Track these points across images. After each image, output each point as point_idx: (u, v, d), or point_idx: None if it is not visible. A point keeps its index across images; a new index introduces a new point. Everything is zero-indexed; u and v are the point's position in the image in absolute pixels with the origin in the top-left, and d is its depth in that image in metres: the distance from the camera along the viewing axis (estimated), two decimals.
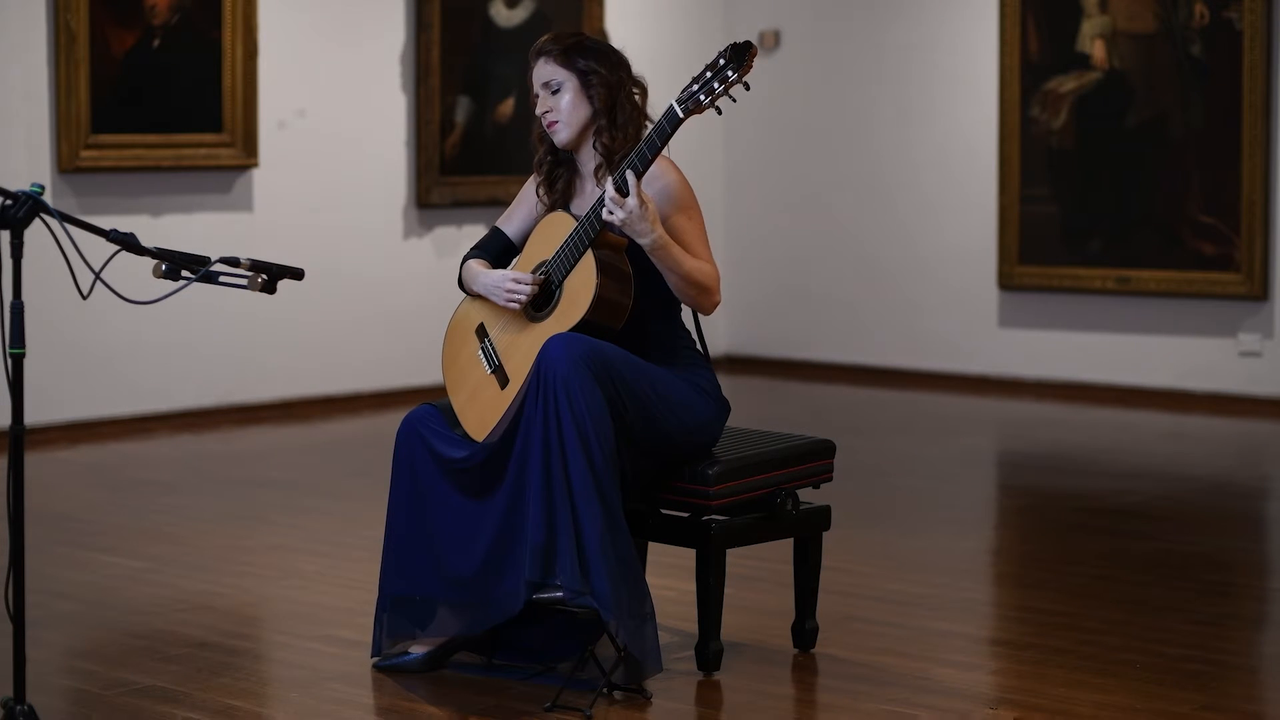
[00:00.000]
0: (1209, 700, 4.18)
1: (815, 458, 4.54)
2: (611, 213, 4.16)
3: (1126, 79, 8.86)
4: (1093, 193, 8.98)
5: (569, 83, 4.39)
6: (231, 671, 4.45)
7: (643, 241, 4.19)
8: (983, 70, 9.30)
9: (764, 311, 10.15)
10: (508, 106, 9.12)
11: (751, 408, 8.55)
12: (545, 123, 4.42)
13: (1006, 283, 9.25)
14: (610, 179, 4.19)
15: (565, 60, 4.39)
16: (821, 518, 4.57)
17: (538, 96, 4.43)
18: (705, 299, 4.32)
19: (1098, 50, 8.92)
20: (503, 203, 8.37)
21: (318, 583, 5.38)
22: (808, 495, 4.60)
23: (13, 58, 7.69)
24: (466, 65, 9.00)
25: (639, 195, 4.15)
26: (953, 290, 9.49)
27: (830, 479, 4.59)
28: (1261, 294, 8.53)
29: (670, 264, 4.24)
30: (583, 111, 4.39)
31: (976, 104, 9.35)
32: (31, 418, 7.06)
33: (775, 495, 4.43)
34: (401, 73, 8.89)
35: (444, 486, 4.33)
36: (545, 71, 4.41)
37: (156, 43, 8.01)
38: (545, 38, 4.48)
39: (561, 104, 4.39)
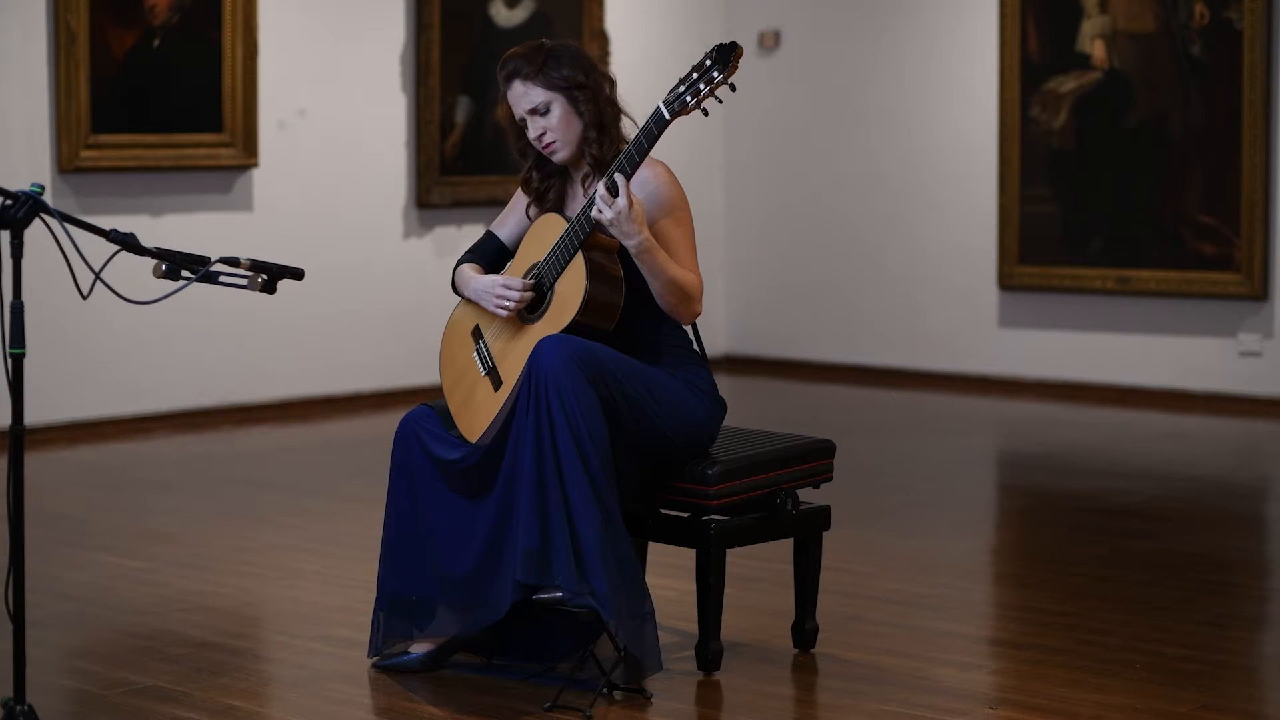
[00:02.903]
0: (1209, 700, 4.18)
1: (815, 458, 4.54)
2: (601, 211, 4.16)
3: (1126, 79, 8.85)
4: (1093, 193, 8.98)
5: (556, 101, 4.33)
6: (231, 671, 4.45)
7: (628, 243, 4.18)
8: (982, 70, 9.30)
9: (764, 311, 10.15)
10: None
11: (751, 408, 8.55)
12: (542, 145, 4.37)
13: (1006, 283, 9.25)
14: (601, 182, 4.19)
15: (545, 80, 4.33)
16: (821, 518, 4.57)
17: (524, 120, 4.38)
18: (685, 308, 4.29)
19: (1098, 50, 8.92)
20: (502, 203, 8.36)
21: (318, 583, 5.38)
22: (808, 495, 4.60)
23: (13, 58, 7.69)
24: (466, 65, 8.99)
25: (628, 196, 4.15)
26: (953, 290, 9.49)
27: (830, 479, 4.59)
28: (1261, 294, 8.53)
29: (654, 269, 4.22)
30: (575, 128, 4.35)
31: (976, 104, 9.34)
32: (31, 418, 7.07)
33: (775, 495, 4.43)
34: (401, 73, 8.88)
35: (440, 487, 4.33)
36: (527, 96, 4.34)
37: (156, 43, 8.01)
38: (512, 55, 4.38)
39: (554, 124, 4.34)
